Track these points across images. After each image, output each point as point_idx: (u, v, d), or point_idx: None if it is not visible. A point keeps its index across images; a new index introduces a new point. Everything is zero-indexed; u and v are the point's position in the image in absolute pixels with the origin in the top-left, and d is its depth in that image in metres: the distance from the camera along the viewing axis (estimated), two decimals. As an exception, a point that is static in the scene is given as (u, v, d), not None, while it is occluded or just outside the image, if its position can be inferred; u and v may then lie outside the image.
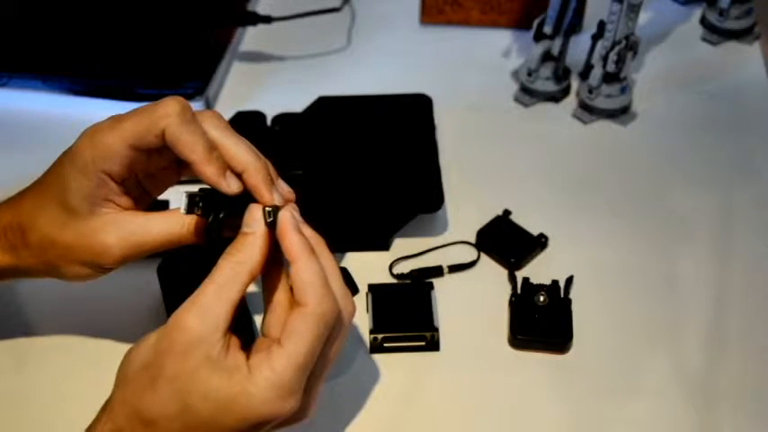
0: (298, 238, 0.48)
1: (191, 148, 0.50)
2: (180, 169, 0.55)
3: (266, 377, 0.46)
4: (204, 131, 0.51)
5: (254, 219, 0.49)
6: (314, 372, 0.48)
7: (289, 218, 0.49)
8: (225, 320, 0.47)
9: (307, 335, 0.46)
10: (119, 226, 0.52)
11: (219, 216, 0.50)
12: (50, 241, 0.53)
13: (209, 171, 0.50)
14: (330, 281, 0.48)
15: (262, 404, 0.46)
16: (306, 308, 0.47)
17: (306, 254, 0.48)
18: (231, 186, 0.50)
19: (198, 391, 0.46)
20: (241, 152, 0.52)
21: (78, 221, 0.52)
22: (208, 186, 0.51)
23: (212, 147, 0.50)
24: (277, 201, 0.51)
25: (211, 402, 0.46)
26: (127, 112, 0.51)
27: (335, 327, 0.48)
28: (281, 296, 0.50)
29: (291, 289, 0.48)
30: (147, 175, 0.55)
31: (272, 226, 0.49)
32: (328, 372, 0.50)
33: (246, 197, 0.51)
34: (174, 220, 0.53)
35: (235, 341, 0.48)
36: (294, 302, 0.48)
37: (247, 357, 0.47)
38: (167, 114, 0.50)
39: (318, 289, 0.47)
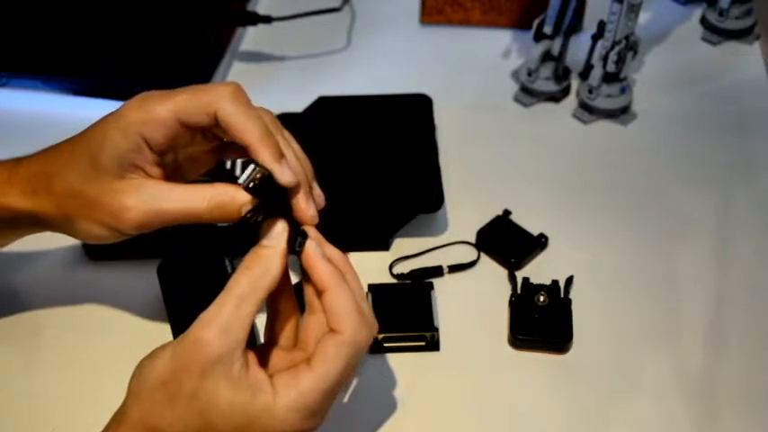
0: (326, 266, 0.48)
1: (248, 129, 0.49)
2: (218, 155, 0.55)
3: (293, 399, 0.45)
4: (260, 116, 0.50)
5: (277, 233, 0.48)
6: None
7: (314, 248, 0.49)
8: (244, 337, 0.46)
9: (340, 362, 0.46)
10: (141, 191, 0.51)
11: (272, 203, 0.49)
12: (74, 192, 0.52)
13: (267, 153, 0.48)
14: (361, 305, 0.48)
15: (284, 424, 0.46)
16: (342, 336, 0.46)
17: (337, 280, 0.48)
18: (285, 175, 0.49)
19: (219, 409, 0.45)
20: (290, 153, 0.51)
21: (104, 179, 0.51)
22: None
23: (270, 131, 0.50)
24: (311, 211, 0.51)
25: (233, 420, 0.45)
26: (181, 88, 0.51)
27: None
28: (288, 305, 0.50)
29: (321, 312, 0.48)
30: (186, 157, 0.54)
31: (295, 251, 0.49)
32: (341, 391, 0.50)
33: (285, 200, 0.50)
34: (198, 194, 0.51)
35: (253, 357, 0.47)
36: (329, 329, 0.47)
37: (269, 374, 0.46)
38: (223, 95, 0.50)
39: (354, 316, 0.47)
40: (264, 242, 0.48)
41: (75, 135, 0.54)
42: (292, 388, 0.46)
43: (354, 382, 0.62)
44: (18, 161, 0.56)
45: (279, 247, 0.48)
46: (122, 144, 0.50)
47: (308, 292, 0.50)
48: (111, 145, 0.50)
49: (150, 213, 0.51)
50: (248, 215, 0.49)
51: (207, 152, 0.55)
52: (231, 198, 0.50)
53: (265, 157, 0.48)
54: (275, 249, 0.48)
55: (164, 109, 0.50)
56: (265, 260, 0.48)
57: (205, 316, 0.46)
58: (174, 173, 0.54)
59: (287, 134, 0.53)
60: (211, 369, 0.45)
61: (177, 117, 0.50)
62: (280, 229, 0.48)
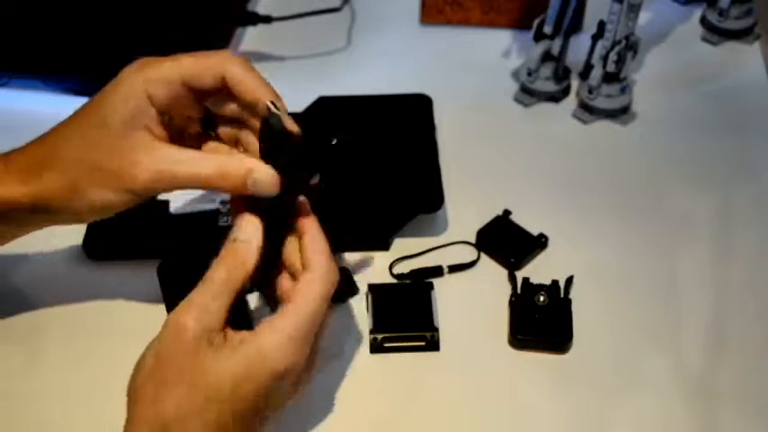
0: (311, 216, 0.53)
1: (262, 87, 0.52)
2: (205, 129, 0.56)
3: (277, 335, 0.48)
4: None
5: (253, 229, 0.51)
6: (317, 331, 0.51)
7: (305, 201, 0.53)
8: (222, 320, 0.48)
9: (317, 295, 0.50)
10: (151, 149, 0.52)
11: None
12: (80, 159, 0.52)
13: (281, 104, 0.52)
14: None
15: (276, 361, 0.48)
16: (315, 272, 0.50)
17: (315, 224, 0.53)
18: (293, 124, 0.52)
19: (212, 374, 0.47)
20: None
21: (111, 141, 0.52)
22: None
23: (276, 92, 0.53)
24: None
25: (231, 378, 0.47)
26: (185, 54, 0.53)
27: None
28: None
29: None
30: (175, 129, 0.55)
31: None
32: (323, 331, 0.53)
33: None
34: (208, 159, 0.52)
35: (231, 332, 0.49)
36: (303, 266, 0.51)
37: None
38: (230, 58, 0.52)
39: (326, 256, 0.51)
40: (241, 237, 0.51)
41: (73, 112, 0.55)
42: (274, 329, 0.48)
43: (354, 382, 0.62)
44: (12, 151, 0.56)
45: (254, 242, 0.51)
46: (128, 102, 0.51)
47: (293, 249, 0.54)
48: (116, 105, 0.52)
49: (160, 172, 0.51)
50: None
51: (193, 127, 0.56)
52: (239, 164, 0.51)
53: (281, 106, 0.51)
54: (251, 244, 0.51)
55: (170, 69, 0.52)
56: (242, 254, 0.50)
57: (186, 303, 0.49)
58: (176, 138, 0.55)
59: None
60: (192, 348, 0.47)
61: (182, 78, 0.52)
62: (255, 226, 0.51)
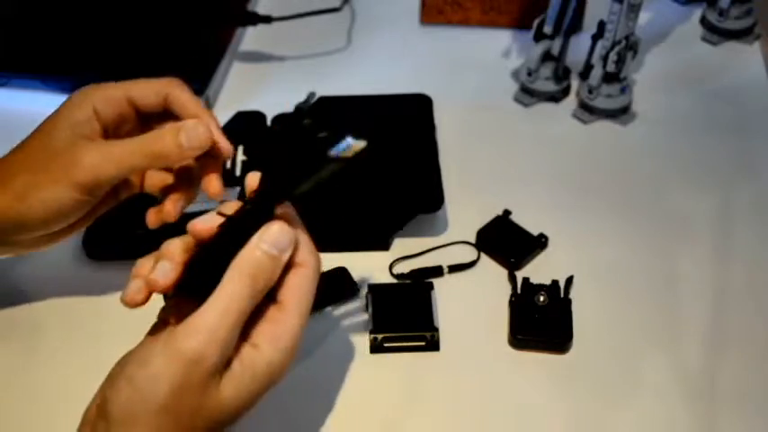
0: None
1: (200, 108, 0.55)
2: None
3: (284, 345, 0.46)
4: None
5: (285, 240, 0.47)
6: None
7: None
8: (234, 344, 0.46)
9: (306, 290, 0.48)
10: (93, 145, 0.54)
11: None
12: (25, 168, 0.55)
13: (214, 125, 0.55)
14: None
15: (286, 367, 0.47)
16: (307, 268, 0.48)
17: (299, 222, 0.50)
18: (225, 143, 0.55)
19: (229, 404, 0.45)
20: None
21: (57, 144, 0.55)
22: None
23: (212, 113, 0.56)
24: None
25: (248, 398, 0.46)
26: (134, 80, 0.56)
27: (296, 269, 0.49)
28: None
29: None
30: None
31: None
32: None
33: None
34: (145, 135, 0.55)
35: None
36: (292, 263, 0.48)
37: (253, 342, 0.47)
38: (173, 82, 0.56)
39: (314, 248, 0.49)
40: (272, 250, 0.46)
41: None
42: (276, 338, 0.46)
43: (354, 382, 0.61)
44: None
45: (285, 256, 0.47)
46: (76, 113, 0.55)
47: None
48: (65, 116, 0.55)
49: (102, 155, 0.54)
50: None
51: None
52: (170, 126, 0.54)
53: (213, 127, 0.54)
54: (280, 261, 0.47)
55: (115, 87, 0.55)
56: (271, 273, 0.46)
57: (204, 331, 0.44)
58: None
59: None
60: (210, 382, 0.44)
61: (127, 95, 0.55)
62: (288, 236, 0.47)
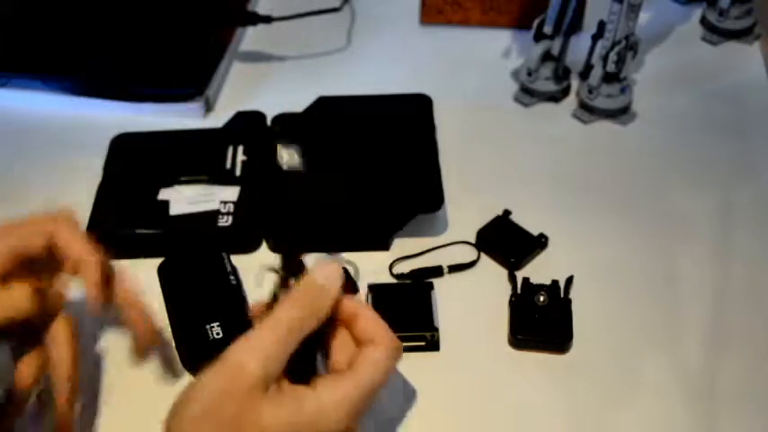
0: (350, 300, 0.51)
1: (81, 247, 0.54)
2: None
3: (339, 395, 0.46)
4: (91, 243, 0.55)
5: (335, 275, 0.49)
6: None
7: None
8: (282, 367, 0.46)
9: (383, 365, 0.48)
10: None
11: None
12: None
13: (93, 272, 0.54)
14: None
15: (335, 421, 0.46)
16: (381, 344, 0.48)
17: (365, 306, 0.51)
18: (91, 304, 0.54)
19: (266, 423, 0.45)
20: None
21: None
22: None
23: (99, 256, 0.55)
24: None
25: (281, 429, 0.45)
26: (20, 220, 0.55)
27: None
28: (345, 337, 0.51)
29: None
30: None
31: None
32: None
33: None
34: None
35: (287, 384, 0.47)
36: (366, 343, 0.49)
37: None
38: (57, 219, 0.55)
39: (388, 330, 0.49)
40: (322, 280, 0.49)
41: None
42: (336, 387, 0.46)
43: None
44: None
45: (334, 288, 0.49)
46: None
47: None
48: None
49: None
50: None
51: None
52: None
53: (91, 273, 0.54)
54: (331, 291, 0.49)
55: (2, 243, 0.53)
56: (320, 299, 0.48)
57: (251, 342, 0.46)
58: None
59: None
60: (252, 394, 0.45)
61: (11, 251, 0.53)
62: (337, 272, 0.49)
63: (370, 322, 0.50)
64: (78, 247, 0.54)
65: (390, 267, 0.68)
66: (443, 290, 0.66)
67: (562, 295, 0.65)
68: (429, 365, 0.63)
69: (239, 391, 0.45)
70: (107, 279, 0.55)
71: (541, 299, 0.64)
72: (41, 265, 0.55)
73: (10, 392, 0.54)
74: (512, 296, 0.65)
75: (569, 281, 0.66)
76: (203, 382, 0.45)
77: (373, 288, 0.66)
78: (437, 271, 0.68)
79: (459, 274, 0.68)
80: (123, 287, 0.56)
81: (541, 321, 0.63)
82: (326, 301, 0.49)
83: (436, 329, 0.63)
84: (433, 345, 0.63)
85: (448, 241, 0.70)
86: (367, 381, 0.47)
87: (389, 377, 0.49)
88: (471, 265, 0.69)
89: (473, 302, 0.66)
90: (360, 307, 0.50)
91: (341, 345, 0.50)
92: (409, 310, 0.65)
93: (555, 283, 0.65)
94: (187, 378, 0.61)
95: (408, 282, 0.68)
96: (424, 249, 0.70)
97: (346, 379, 0.47)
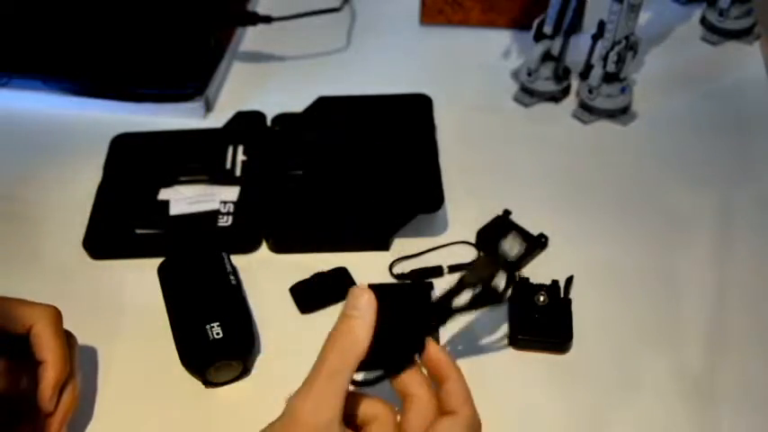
0: (447, 357, 0.50)
1: (52, 349, 0.54)
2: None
3: None
4: (65, 345, 0.55)
5: (365, 303, 0.48)
6: None
7: (434, 343, 0.50)
8: (339, 408, 0.46)
9: None
10: None
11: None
12: None
13: (54, 375, 0.54)
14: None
15: None
16: (460, 417, 0.48)
17: (457, 369, 0.50)
18: (46, 402, 0.54)
19: None
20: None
21: None
22: None
23: (67, 357, 0.55)
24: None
25: None
26: (4, 299, 0.56)
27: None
28: (420, 391, 0.49)
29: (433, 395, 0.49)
30: None
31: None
32: None
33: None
34: None
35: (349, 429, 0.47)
36: (446, 410, 0.48)
37: None
38: (42, 313, 0.55)
39: (471, 403, 0.49)
40: (353, 312, 0.48)
41: None
42: None
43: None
44: None
45: (366, 318, 0.48)
46: None
47: (413, 381, 0.50)
48: None
49: None
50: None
51: None
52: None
53: (50, 379, 0.54)
54: (363, 320, 0.48)
55: None
56: (353, 332, 0.47)
57: (300, 391, 0.46)
58: None
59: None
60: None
61: None
62: (367, 300, 0.48)
63: (459, 387, 0.49)
64: (49, 351, 0.55)
65: (390, 267, 0.68)
66: (442, 288, 0.66)
67: (562, 295, 0.65)
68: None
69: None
70: (64, 384, 0.56)
71: (541, 299, 0.64)
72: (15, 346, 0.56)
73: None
74: (511, 296, 0.65)
75: (569, 281, 0.66)
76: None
77: (372, 288, 0.66)
78: (437, 271, 0.68)
79: (459, 274, 0.68)
80: (72, 394, 0.56)
81: (541, 321, 0.63)
82: (362, 333, 0.47)
83: (436, 329, 0.63)
84: (432, 344, 0.63)
85: (448, 241, 0.70)
86: None
87: None
88: (471, 264, 0.69)
89: (473, 302, 0.66)
90: (452, 368, 0.50)
91: (418, 409, 0.49)
92: (408, 310, 0.64)
93: (555, 283, 0.65)
94: (186, 378, 0.61)
95: (408, 282, 0.67)
96: (424, 249, 0.70)
97: None
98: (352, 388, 0.48)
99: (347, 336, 0.47)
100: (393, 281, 0.68)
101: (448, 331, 0.64)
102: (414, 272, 0.68)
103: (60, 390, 0.55)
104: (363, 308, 0.48)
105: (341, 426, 0.46)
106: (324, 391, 0.46)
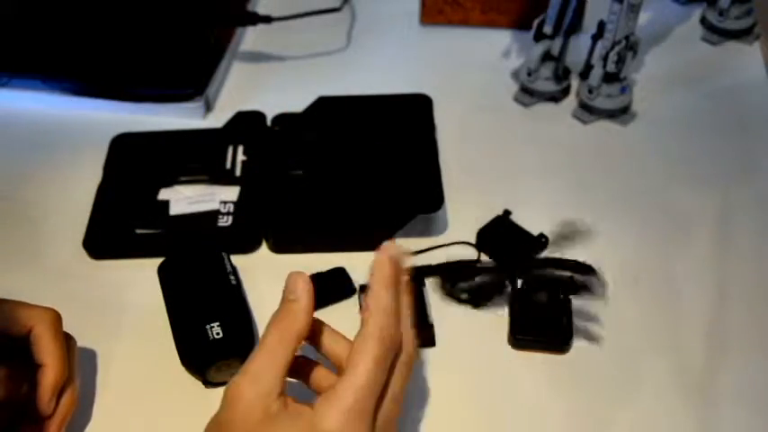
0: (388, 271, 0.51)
1: (51, 352, 0.55)
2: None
3: (332, 405, 0.46)
4: (65, 348, 0.56)
5: (300, 287, 0.50)
6: (382, 403, 0.48)
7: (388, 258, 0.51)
8: (277, 384, 0.47)
9: (366, 355, 0.47)
10: None
11: None
12: None
13: (52, 379, 0.54)
14: (401, 316, 0.50)
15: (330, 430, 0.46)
16: (366, 328, 0.48)
17: (383, 285, 0.50)
18: (44, 404, 0.54)
19: None
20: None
21: None
22: None
23: (66, 360, 0.56)
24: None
25: None
26: (5, 300, 0.56)
27: (397, 354, 0.50)
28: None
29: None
30: None
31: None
32: (399, 407, 0.50)
33: None
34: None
35: (292, 400, 0.48)
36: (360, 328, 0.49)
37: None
38: (42, 315, 0.55)
39: (384, 314, 0.49)
40: (290, 296, 0.50)
41: None
42: (331, 397, 0.47)
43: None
44: None
45: (302, 301, 0.50)
46: None
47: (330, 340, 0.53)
48: None
49: None
50: None
51: None
52: None
53: (48, 383, 0.54)
54: (299, 303, 0.50)
55: None
56: (291, 313, 0.50)
57: (240, 370, 0.48)
58: None
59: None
60: (250, 414, 0.47)
61: None
62: (302, 285, 0.50)
63: (372, 301, 0.50)
64: (49, 353, 0.55)
65: (390, 267, 0.68)
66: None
67: (562, 295, 0.65)
68: (426, 363, 0.62)
69: (238, 416, 0.47)
70: (63, 387, 0.56)
71: (541, 299, 0.64)
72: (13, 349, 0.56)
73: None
74: (512, 295, 0.65)
75: (570, 281, 0.66)
76: (212, 418, 0.49)
77: (365, 288, 0.66)
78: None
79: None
80: (71, 396, 0.57)
81: (541, 321, 0.63)
82: (299, 315, 0.50)
83: (431, 326, 0.63)
84: (428, 341, 0.63)
85: (448, 241, 0.70)
86: (358, 385, 0.47)
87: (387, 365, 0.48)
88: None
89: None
90: (378, 283, 0.50)
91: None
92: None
93: (555, 282, 0.65)
94: (186, 378, 0.61)
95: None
96: (424, 249, 0.69)
97: (338, 390, 0.47)
98: None
99: (285, 317, 0.50)
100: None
101: (447, 331, 0.64)
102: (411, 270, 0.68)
103: (59, 393, 0.55)
104: (300, 291, 0.50)
105: (281, 397, 0.47)
106: (261, 366, 0.48)
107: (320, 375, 0.53)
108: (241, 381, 0.48)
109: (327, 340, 0.53)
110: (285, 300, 0.51)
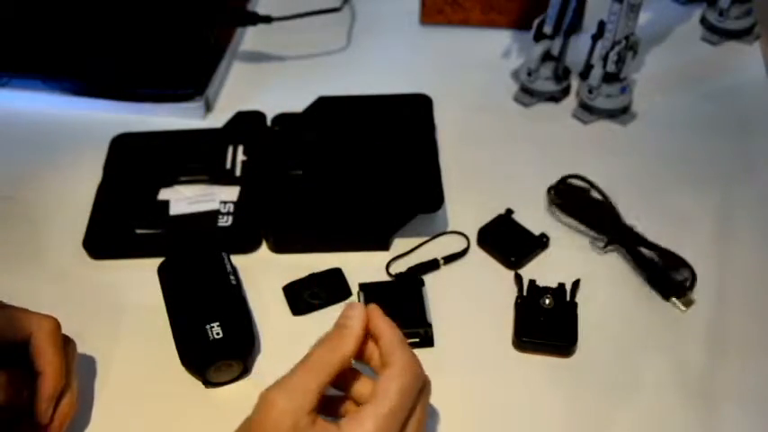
0: (384, 318, 0.53)
1: (49, 360, 0.55)
2: None
3: (359, 425, 0.48)
4: (63, 355, 0.56)
5: (356, 315, 0.52)
6: (406, 427, 0.50)
7: (374, 307, 0.54)
8: (310, 403, 0.48)
9: (393, 388, 0.49)
10: None
11: None
12: None
13: (50, 388, 0.54)
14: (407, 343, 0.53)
15: None
16: (394, 367, 0.50)
17: (391, 325, 0.53)
18: (42, 414, 0.55)
19: None
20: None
21: None
22: None
23: (64, 368, 0.56)
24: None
25: None
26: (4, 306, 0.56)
27: (422, 384, 0.52)
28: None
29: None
30: None
31: None
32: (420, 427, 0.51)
33: None
34: None
35: (321, 420, 0.49)
36: (382, 364, 0.51)
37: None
38: (41, 322, 0.56)
39: (405, 350, 0.51)
40: (343, 321, 0.52)
41: None
42: (354, 423, 0.48)
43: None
44: None
45: (355, 329, 0.52)
46: None
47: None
48: None
49: None
50: None
51: None
52: None
53: (46, 391, 0.54)
54: (352, 330, 0.52)
55: None
56: (342, 338, 0.51)
57: (278, 381, 0.50)
58: None
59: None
60: (278, 422, 0.48)
61: None
62: (359, 314, 0.52)
63: (388, 341, 0.52)
64: (47, 361, 0.55)
65: (387, 267, 0.68)
66: (443, 288, 0.66)
67: (568, 299, 0.65)
68: (425, 363, 0.62)
69: (269, 424, 0.48)
70: (61, 393, 0.56)
71: (547, 302, 0.64)
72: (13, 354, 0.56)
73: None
74: (517, 298, 0.65)
75: (575, 284, 0.65)
76: (245, 419, 0.50)
77: (364, 287, 0.66)
78: (433, 264, 0.68)
79: (459, 273, 0.68)
80: (69, 401, 0.57)
81: (546, 324, 0.63)
82: (348, 341, 0.51)
83: (429, 325, 0.63)
84: (426, 340, 0.63)
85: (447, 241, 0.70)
86: (384, 412, 0.49)
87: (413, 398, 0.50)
88: (464, 253, 0.68)
89: (473, 302, 0.66)
90: (385, 325, 0.53)
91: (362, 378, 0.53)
92: (402, 306, 0.64)
93: (561, 286, 0.65)
94: (186, 378, 0.61)
95: (394, 279, 0.67)
96: (419, 244, 0.69)
97: (363, 413, 0.49)
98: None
99: (334, 339, 0.51)
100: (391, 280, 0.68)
101: (451, 332, 0.64)
102: (411, 269, 0.68)
103: (57, 399, 0.55)
104: (355, 320, 0.52)
105: (311, 414, 0.48)
106: (300, 381, 0.49)
107: (358, 383, 0.54)
108: (277, 391, 0.49)
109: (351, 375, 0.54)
110: (339, 324, 0.52)
